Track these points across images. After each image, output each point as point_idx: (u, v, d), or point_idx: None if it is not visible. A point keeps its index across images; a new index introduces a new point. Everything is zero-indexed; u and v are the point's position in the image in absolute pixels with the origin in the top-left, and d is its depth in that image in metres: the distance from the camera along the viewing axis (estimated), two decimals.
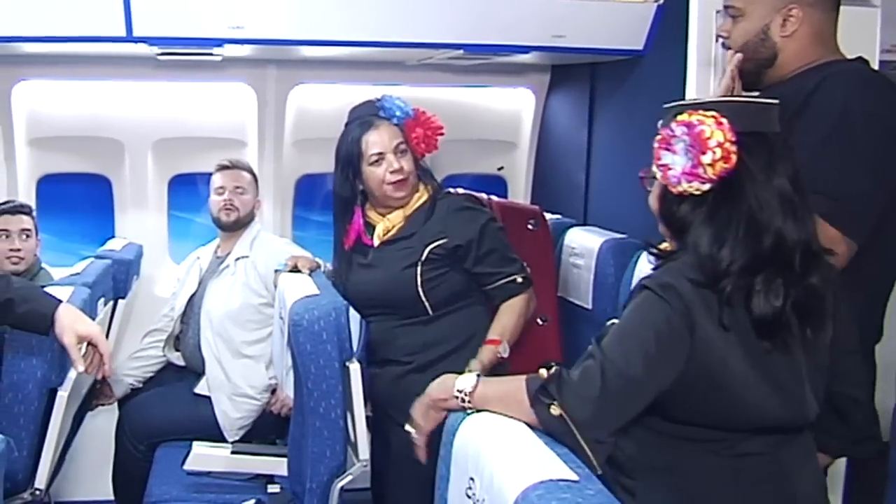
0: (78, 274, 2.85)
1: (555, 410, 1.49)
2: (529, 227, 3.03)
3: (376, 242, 2.64)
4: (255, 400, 3.18)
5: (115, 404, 3.37)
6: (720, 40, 2.14)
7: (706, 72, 2.33)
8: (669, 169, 1.57)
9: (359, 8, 2.87)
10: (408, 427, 1.79)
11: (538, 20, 2.97)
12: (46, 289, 2.41)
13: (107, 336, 3.12)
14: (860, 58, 2.02)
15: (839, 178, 1.83)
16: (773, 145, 1.58)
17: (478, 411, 1.60)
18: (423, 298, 2.55)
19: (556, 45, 3.04)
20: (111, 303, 3.14)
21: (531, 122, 3.98)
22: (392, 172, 2.58)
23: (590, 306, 3.07)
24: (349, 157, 2.62)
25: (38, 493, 2.36)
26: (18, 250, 3.24)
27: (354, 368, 2.29)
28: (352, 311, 2.51)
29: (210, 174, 3.43)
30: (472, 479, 1.44)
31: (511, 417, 1.55)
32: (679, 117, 1.57)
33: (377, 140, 2.60)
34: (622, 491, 1.59)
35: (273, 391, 3.19)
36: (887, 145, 1.87)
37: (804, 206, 1.58)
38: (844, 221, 1.83)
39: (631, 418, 1.53)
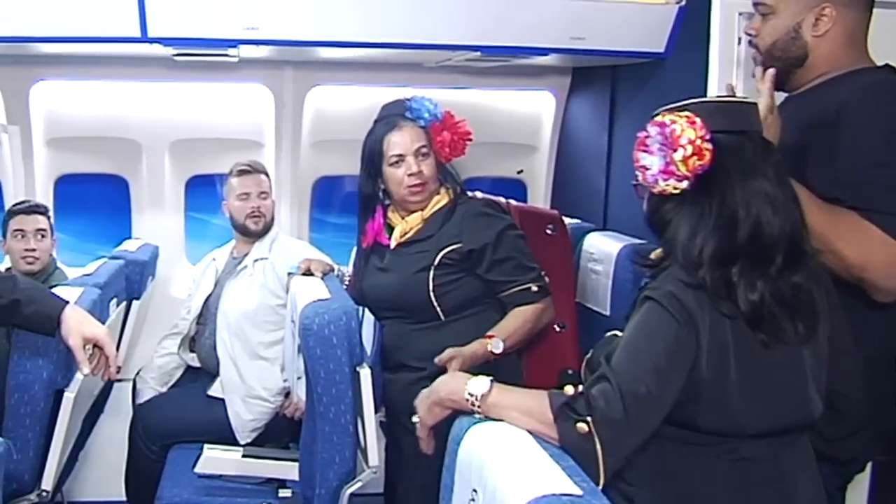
0: (90, 275, 2.86)
1: (581, 427, 1.48)
2: (548, 231, 2.97)
3: (393, 244, 2.62)
4: (268, 402, 3.18)
5: (130, 405, 3.39)
6: (748, 39, 2.09)
7: (728, 74, 2.28)
8: (647, 170, 1.61)
9: (375, 9, 2.85)
10: (413, 418, 1.77)
11: (557, 22, 2.94)
12: (57, 289, 2.40)
13: (121, 337, 3.13)
14: (888, 65, 1.96)
15: None
16: (752, 143, 1.61)
17: (486, 417, 1.58)
18: (435, 303, 2.52)
19: (575, 47, 3.00)
20: (124, 303, 3.15)
21: (551, 125, 3.94)
22: (410, 175, 2.55)
23: (608, 313, 3.02)
24: (372, 155, 2.60)
25: (44, 494, 2.35)
26: (34, 250, 3.27)
27: (365, 373, 2.28)
28: (366, 315, 2.49)
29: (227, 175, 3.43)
30: (475, 490, 1.42)
31: (523, 428, 1.53)
32: (654, 119, 1.61)
33: (399, 141, 2.57)
34: (621, 497, 1.58)
35: (287, 394, 3.18)
36: None
37: (787, 202, 1.59)
38: None
39: (652, 432, 1.53)
